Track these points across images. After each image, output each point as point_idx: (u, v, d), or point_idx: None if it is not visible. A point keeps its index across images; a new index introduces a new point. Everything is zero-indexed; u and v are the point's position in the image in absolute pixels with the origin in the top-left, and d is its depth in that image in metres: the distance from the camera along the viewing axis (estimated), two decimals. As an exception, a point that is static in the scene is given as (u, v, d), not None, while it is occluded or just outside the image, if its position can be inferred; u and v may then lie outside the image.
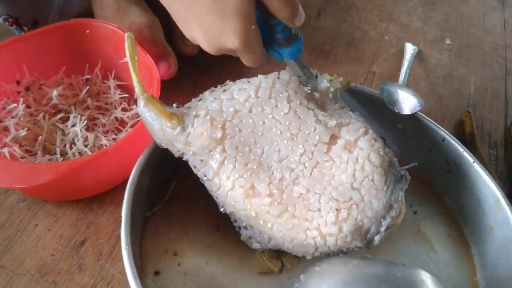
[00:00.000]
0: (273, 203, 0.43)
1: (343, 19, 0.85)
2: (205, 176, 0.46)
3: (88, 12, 0.70)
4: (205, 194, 0.53)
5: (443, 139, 0.54)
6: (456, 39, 0.84)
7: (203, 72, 0.71)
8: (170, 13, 0.47)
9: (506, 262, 0.47)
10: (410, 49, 0.76)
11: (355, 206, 0.43)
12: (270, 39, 0.45)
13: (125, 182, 0.46)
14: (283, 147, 0.44)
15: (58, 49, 0.60)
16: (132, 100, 0.62)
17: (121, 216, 0.43)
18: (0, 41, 0.57)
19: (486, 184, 0.50)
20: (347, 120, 0.46)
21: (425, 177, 0.58)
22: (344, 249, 0.45)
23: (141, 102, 0.46)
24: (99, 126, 0.58)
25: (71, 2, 0.68)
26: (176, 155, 0.47)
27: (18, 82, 0.58)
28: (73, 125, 0.56)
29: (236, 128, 0.45)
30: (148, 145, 0.49)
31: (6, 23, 0.62)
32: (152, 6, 0.68)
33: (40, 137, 0.54)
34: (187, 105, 0.48)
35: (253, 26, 0.42)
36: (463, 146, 0.53)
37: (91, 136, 0.55)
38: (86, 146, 0.54)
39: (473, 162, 0.51)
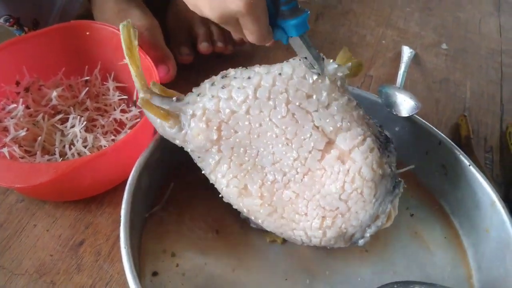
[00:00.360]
0: (263, 204, 0.45)
1: (340, 24, 0.86)
2: (203, 170, 0.47)
3: (88, 14, 0.70)
4: (203, 196, 0.54)
5: (440, 143, 0.55)
6: (453, 44, 0.84)
7: (201, 76, 0.71)
8: None
9: (502, 264, 0.48)
10: (407, 52, 0.77)
11: (340, 215, 0.44)
12: (276, 17, 0.43)
13: (123, 184, 0.46)
14: (277, 151, 0.44)
15: (57, 51, 0.61)
16: (131, 102, 0.62)
17: (119, 217, 0.44)
18: (0, 42, 0.57)
19: (482, 187, 0.51)
20: (348, 123, 0.44)
21: (422, 180, 0.58)
22: (328, 246, 0.47)
23: (140, 99, 0.46)
24: (98, 127, 0.58)
25: (72, 4, 0.68)
26: (179, 145, 0.48)
27: (17, 83, 0.58)
28: (72, 126, 0.56)
29: (232, 130, 0.45)
30: (147, 146, 0.49)
31: (7, 23, 0.63)
32: (152, 10, 0.68)
33: (39, 138, 0.54)
34: (186, 98, 0.47)
35: None
36: (459, 149, 0.53)
37: (90, 137, 0.55)
38: (85, 147, 0.55)
39: (469, 165, 0.52)
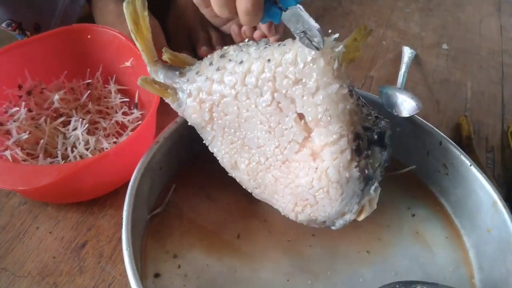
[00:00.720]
0: (250, 180, 0.49)
1: (341, 25, 0.86)
2: (204, 141, 0.50)
3: (89, 17, 0.70)
4: (205, 198, 0.54)
5: (441, 143, 0.55)
6: (453, 45, 0.85)
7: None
8: None
9: (503, 264, 0.48)
10: (407, 53, 0.77)
11: (309, 206, 0.46)
12: None
13: (125, 186, 0.47)
14: (261, 137, 0.46)
15: (59, 54, 0.61)
16: (132, 104, 0.62)
17: (121, 219, 0.44)
18: (2, 46, 0.57)
19: (483, 187, 0.51)
20: (328, 118, 0.42)
21: (423, 180, 0.58)
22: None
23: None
24: (100, 130, 0.59)
25: (73, 8, 0.69)
26: None
27: (20, 86, 0.59)
28: (74, 129, 0.57)
29: (222, 113, 0.46)
30: (149, 148, 0.50)
31: (9, 28, 0.63)
32: (153, 13, 0.69)
33: (41, 141, 0.55)
34: (187, 74, 0.48)
35: None
36: (460, 149, 0.53)
37: (92, 140, 0.55)
38: (87, 149, 0.55)
39: (470, 165, 0.52)
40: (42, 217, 0.53)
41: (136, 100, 0.62)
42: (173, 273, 0.47)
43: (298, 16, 0.40)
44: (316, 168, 0.44)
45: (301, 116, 0.44)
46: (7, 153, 0.51)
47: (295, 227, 0.50)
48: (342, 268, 0.50)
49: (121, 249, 0.43)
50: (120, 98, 0.62)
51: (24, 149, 0.54)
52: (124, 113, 0.61)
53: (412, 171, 0.58)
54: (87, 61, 0.62)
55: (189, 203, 0.53)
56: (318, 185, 0.44)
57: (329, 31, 0.44)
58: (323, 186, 0.44)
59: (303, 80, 0.43)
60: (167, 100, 0.48)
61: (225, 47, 0.47)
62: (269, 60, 0.44)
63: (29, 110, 0.58)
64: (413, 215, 0.55)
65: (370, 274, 0.50)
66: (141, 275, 0.45)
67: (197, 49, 0.70)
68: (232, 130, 0.47)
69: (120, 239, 0.51)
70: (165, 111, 0.61)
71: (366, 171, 0.44)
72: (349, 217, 0.46)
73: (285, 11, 0.40)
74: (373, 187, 0.45)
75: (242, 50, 0.46)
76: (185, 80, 0.47)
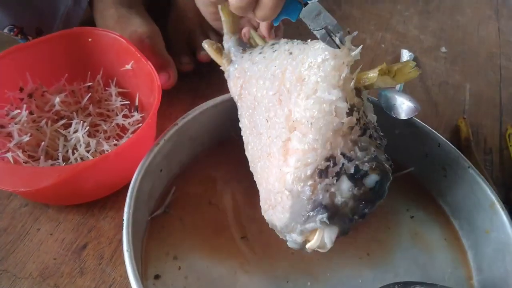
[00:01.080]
0: (251, 163, 0.50)
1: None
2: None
3: (90, 20, 0.71)
4: (205, 199, 0.54)
5: (439, 145, 0.55)
6: (452, 48, 0.85)
7: (202, 81, 0.72)
8: None
9: (502, 265, 0.48)
10: (406, 56, 0.78)
11: (271, 208, 0.45)
12: None
13: (125, 188, 0.47)
14: (262, 124, 0.47)
15: (60, 57, 0.61)
16: (133, 107, 0.63)
17: (122, 221, 0.44)
18: (3, 49, 0.58)
19: (481, 188, 0.51)
20: (309, 126, 0.41)
21: (422, 182, 0.59)
22: None
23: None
24: (100, 133, 0.59)
25: (75, 12, 0.69)
26: None
27: (21, 89, 0.59)
28: (75, 131, 0.57)
29: (247, 91, 0.49)
30: (149, 150, 0.50)
31: (11, 33, 0.64)
32: (153, 17, 0.69)
33: (42, 143, 0.55)
34: (246, 52, 0.53)
35: None
36: (458, 151, 0.54)
37: (93, 142, 0.55)
38: (88, 151, 0.55)
39: (468, 167, 0.53)
40: (43, 219, 0.53)
41: (137, 103, 0.62)
42: (174, 275, 0.48)
43: (319, 11, 0.38)
44: (281, 170, 0.43)
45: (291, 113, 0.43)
46: (9, 155, 0.51)
47: (295, 228, 0.51)
48: (341, 270, 0.50)
49: (121, 251, 0.43)
50: (120, 101, 0.62)
51: (25, 151, 0.54)
52: (125, 116, 0.61)
53: (411, 173, 0.59)
54: (88, 64, 0.63)
55: (189, 205, 0.54)
56: (278, 188, 0.43)
57: (347, 29, 0.40)
58: (280, 190, 0.42)
59: (305, 80, 0.42)
60: (222, 67, 0.55)
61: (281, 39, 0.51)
62: (290, 53, 0.44)
63: (30, 113, 0.58)
64: (412, 217, 0.56)
65: (369, 275, 0.50)
66: (142, 276, 0.45)
67: (196, 53, 0.71)
68: (250, 111, 0.49)
69: (120, 240, 0.51)
70: (165, 114, 0.62)
71: (320, 197, 0.40)
72: (295, 236, 0.43)
73: (304, 6, 0.39)
74: (319, 217, 0.40)
75: (287, 43, 0.48)
76: (241, 57, 0.52)
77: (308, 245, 0.42)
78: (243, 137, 0.51)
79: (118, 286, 0.48)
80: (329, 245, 0.41)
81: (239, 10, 0.43)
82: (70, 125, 0.58)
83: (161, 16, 0.73)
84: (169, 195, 0.54)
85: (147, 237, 0.50)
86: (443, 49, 0.85)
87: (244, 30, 0.63)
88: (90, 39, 0.61)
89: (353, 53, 0.40)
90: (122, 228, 0.44)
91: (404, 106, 0.57)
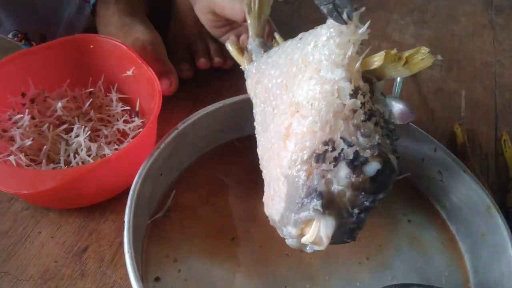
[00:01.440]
0: (262, 156, 0.47)
1: (338, 36, 0.87)
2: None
3: (92, 27, 0.72)
4: (205, 203, 0.55)
5: (435, 149, 0.56)
6: (447, 56, 0.86)
7: (203, 87, 0.73)
8: None
9: (498, 268, 0.49)
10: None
11: (271, 199, 0.43)
12: None
13: (125, 192, 0.48)
14: (269, 114, 0.46)
15: (62, 63, 0.62)
16: (133, 113, 0.63)
17: (122, 224, 0.45)
18: (7, 55, 0.59)
19: (477, 192, 0.52)
20: (309, 106, 0.39)
21: (418, 186, 0.59)
22: None
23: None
24: (101, 137, 0.60)
25: (78, 19, 0.70)
26: None
27: (23, 94, 0.60)
28: (77, 136, 0.58)
29: (260, 85, 0.49)
30: (150, 154, 0.51)
31: (15, 38, 0.65)
32: (154, 25, 0.70)
33: (44, 147, 0.56)
34: (267, 53, 0.52)
35: None
36: (454, 156, 0.55)
37: (94, 146, 0.56)
38: (89, 155, 0.56)
39: (464, 171, 0.53)
40: (44, 222, 0.53)
41: (137, 109, 0.63)
42: (174, 277, 0.48)
43: None
44: (279, 155, 0.41)
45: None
46: (11, 158, 0.52)
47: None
48: (340, 273, 0.50)
49: (122, 254, 0.44)
50: (121, 107, 0.63)
51: (27, 155, 0.55)
52: (125, 121, 0.62)
53: (408, 178, 0.60)
54: (90, 70, 0.64)
55: (189, 209, 0.54)
56: (275, 175, 0.41)
57: (354, 6, 0.38)
58: (278, 177, 0.40)
59: (310, 60, 0.40)
60: (241, 67, 0.55)
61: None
62: (300, 39, 0.44)
63: (32, 118, 0.59)
64: (409, 221, 0.56)
65: (367, 278, 0.50)
66: (142, 279, 0.46)
67: (196, 60, 0.72)
68: (263, 105, 0.48)
69: (121, 243, 0.51)
70: (165, 119, 0.63)
71: (315, 182, 0.37)
72: (290, 229, 0.40)
73: None
74: (313, 204, 0.37)
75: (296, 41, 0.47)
76: (261, 56, 0.52)
77: (303, 239, 0.39)
78: (256, 136, 0.48)
79: (118, 288, 0.49)
80: (325, 239, 0.38)
81: None
82: (71, 129, 0.59)
83: (161, 24, 0.74)
84: (169, 199, 0.54)
85: (147, 240, 0.51)
86: (439, 57, 0.85)
87: (242, 37, 0.65)
88: (91, 46, 0.62)
89: (360, 31, 0.38)
90: (123, 231, 0.44)
91: (400, 112, 0.58)
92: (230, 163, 0.59)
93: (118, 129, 0.61)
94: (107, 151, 0.57)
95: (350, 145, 0.37)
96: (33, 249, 0.51)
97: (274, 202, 0.42)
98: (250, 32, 0.56)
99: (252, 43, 0.56)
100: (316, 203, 0.37)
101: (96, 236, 0.53)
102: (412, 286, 0.46)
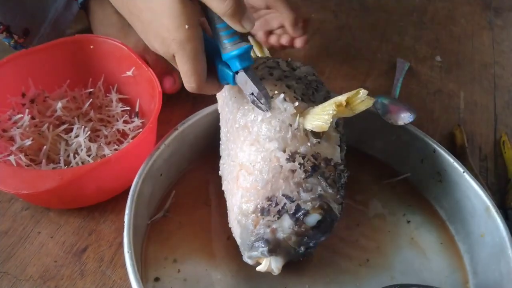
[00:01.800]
0: (223, 179, 0.51)
1: (337, 38, 0.88)
2: None
3: (87, 29, 0.72)
4: (204, 203, 0.55)
5: (434, 151, 0.56)
6: (446, 57, 0.87)
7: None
8: (134, 27, 0.46)
9: (497, 268, 0.49)
10: (401, 64, 0.79)
11: (233, 227, 0.47)
12: (219, 59, 0.43)
13: (125, 193, 0.48)
14: (226, 148, 0.50)
15: (62, 63, 0.62)
16: (133, 113, 0.63)
17: (122, 224, 0.45)
18: (6, 56, 0.59)
19: (476, 193, 0.52)
20: (251, 167, 0.44)
21: (418, 187, 0.60)
22: None
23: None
24: (101, 138, 0.60)
25: (64, 16, 0.69)
26: None
27: (23, 95, 0.60)
28: (77, 136, 0.58)
29: (226, 109, 0.52)
30: (150, 155, 0.51)
31: None
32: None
33: (44, 147, 0.56)
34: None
35: (186, 26, 0.40)
36: (453, 157, 0.55)
37: (94, 147, 0.56)
38: (89, 156, 0.56)
39: (463, 172, 0.53)
40: (44, 222, 0.53)
41: (137, 109, 0.63)
42: (173, 278, 0.48)
43: (246, 80, 0.43)
44: (234, 199, 0.46)
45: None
46: (11, 158, 0.52)
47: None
48: (339, 275, 0.50)
49: (121, 254, 0.44)
50: (121, 107, 0.63)
51: (27, 155, 0.55)
52: (125, 122, 0.62)
53: (407, 179, 0.60)
54: (90, 70, 0.64)
55: (189, 209, 0.54)
56: (234, 213, 0.46)
57: (270, 96, 0.45)
58: (235, 216, 0.46)
59: (250, 130, 0.46)
60: None
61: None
62: (247, 102, 0.47)
63: (32, 118, 0.59)
64: (408, 222, 0.56)
65: (366, 279, 0.50)
66: (142, 279, 0.46)
67: None
68: (225, 129, 0.51)
69: (120, 244, 0.51)
70: (165, 119, 0.63)
71: (262, 231, 0.43)
72: (245, 258, 0.46)
73: (237, 74, 0.43)
74: (261, 249, 0.43)
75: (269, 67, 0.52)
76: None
77: (257, 268, 0.45)
78: (220, 149, 0.53)
79: (117, 288, 0.49)
80: (276, 271, 0.44)
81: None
82: (71, 130, 0.59)
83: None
84: (169, 199, 0.54)
85: (147, 240, 0.51)
86: (438, 59, 0.86)
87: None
88: (92, 46, 0.62)
89: (287, 110, 0.44)
90: (123, 231, 0.44)
91: (400, 113, 0.58)
92: (229, 163, 0.59)
93: (118, 130, 0.61)
94: (107, 151, 0.57)
95: (292, 200, 0.42)
96: (32, 249, 0.51)
97: (233, 229, 0.47)
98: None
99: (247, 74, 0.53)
100: (263, 249, 0.43)
101: (96, 236, 0.53)
102: (411, 287, 0.46)
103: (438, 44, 0.90)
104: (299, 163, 0.43)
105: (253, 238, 0.43)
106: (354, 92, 0.43)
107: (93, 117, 0.61)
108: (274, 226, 0.43)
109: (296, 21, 0.65)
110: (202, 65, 0.42)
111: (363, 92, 0.43)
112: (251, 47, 0.43)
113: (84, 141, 0.57)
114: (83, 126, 0.59)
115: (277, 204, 0.43)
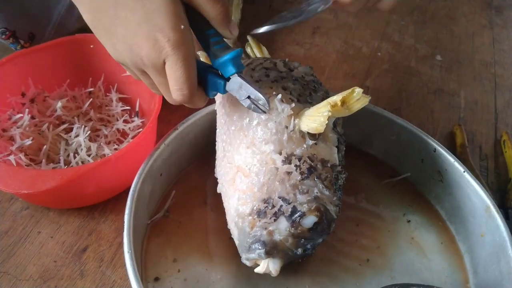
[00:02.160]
0: (219, 180, 0.50)
1: (337, 37, 0.88)
2: None
3: (86, 28, 0.71)
4: (204, 203, 0.55)
5: (435, 150, 0.56)
6: (447, 56, 0.87)
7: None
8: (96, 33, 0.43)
9: (497, 268, 0.49)
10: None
11: (231, 229, 0.47)
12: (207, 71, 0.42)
13: (125, 192, 0.48)
14: (222, 149, 0.50)
15: (62, 63, 0.62)
16: (133, 113, 0.63)
17: (122, 224, 0.45)
18: (5, 55, 0.59)
19: (477, 193, 0.52)
20: (247, 170, 0.45)
21: (418, 187, 0.59)
22: None
23: None
24: (101, 137, 0.60)
25: (68, 18, 0.69)
26: None
27: (23, 94, 0.60)
28: (77, 136, 0.58)
29: (223, 110, 0.51)
30: (150, 154, 0.51)
31: (3, 36, 0.64)
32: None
33: (44, 147, 0.56)
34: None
35: (182, 26, 0.38)
36: (453, 156, 0.55)
37: (94, 146, 0.56)
38: (89, 155, 0.56)
39: (464, 172, 0.53)
40: (44, 222, 0.53)
41: (137, 109, 0.63)
42: (173, 277, 0.48)
43: (240, 84, 0.42)
44: (229, 197, 0.47)
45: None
46: (11, 157, 0.52)
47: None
48: (339, 275, 0.50)
49: (121, 254, 0.44)
50: (121, 107, 0.63)
51: (27, 155, 0.55)
52: (125, 121, 0.62)
53: (407, 178, 0.60)
54: (90, 70, 0.64)
55: (189, 209, 0.54)
56: (231, 215, 0.46)
57: (273, 93, 0.46)
58: (233, 219, 0.46)
59: (245, 133, 0.46)
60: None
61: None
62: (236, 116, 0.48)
63: (32, 117, 0.59)
64: (409, 221, 0.56)
65: (367, 279, 0.50)
66: (142, 279, 0.46)
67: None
68: (226, 127, 0.50)
69: (120, 244, 0.51)
70: (165, 119, 0.63)
71: (258, 233, 0.43)
72: (244, 260, 0.46)
73: (227, 81, 0.42)
74: (258, 251, 0.43)
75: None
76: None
77: (255, 270, 0.45)
78: (216, 149, 0.52)
79: (118, 288, 0.49)
80: (274, 272, 0.44)
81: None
82: (71, 129, 0.59)
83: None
84: (169, 199, 0.54)
85: (147, 240, 0.51)
86: (438, 58, 0.86)
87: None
88: (92, 46, 0.62)
89: (283, 111, 0.44)
90: (123, 231, 0.44)
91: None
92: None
93: (118, 129, 0.61)
94: (107, 151, 0.57)
95: (288, 202, 0.42)
96: (32, 249, 0.51)
97: (232, 231, 0.47)
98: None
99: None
100: (260, 251, 0.43)
101: (96, 236, 0.53)
102: (411, 287, 0.46)
103: (438, 43, 0.90)
104: (295, 165, 0.43)
105: (250, 240, 0.44)
106: (349, 91, 0.42)
107: (93, 116, 0.61)
108: (270, 228, 0.43)
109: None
110: (195, 70, 0.40)
111: (358, 91, 0.42)
112: (242, 51, 0.42)
113: (84, 141, 0.57)
114: (83, 126, 0.59)
115: (273, 206, 0.43)
